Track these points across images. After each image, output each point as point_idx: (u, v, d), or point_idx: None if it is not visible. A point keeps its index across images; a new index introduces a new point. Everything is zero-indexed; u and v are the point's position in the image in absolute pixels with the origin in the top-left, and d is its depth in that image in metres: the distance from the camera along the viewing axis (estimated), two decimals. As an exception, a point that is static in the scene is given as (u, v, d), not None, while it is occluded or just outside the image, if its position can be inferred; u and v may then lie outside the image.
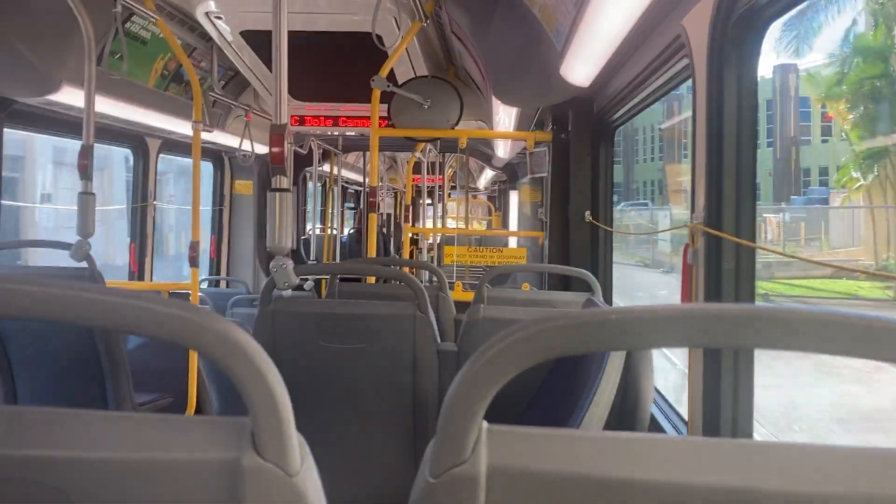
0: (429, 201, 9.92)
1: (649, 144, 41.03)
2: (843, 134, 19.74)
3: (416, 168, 7.59)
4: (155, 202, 5.01)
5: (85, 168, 3.04)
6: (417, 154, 7.04)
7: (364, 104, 4.74)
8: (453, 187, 10.99)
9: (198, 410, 3.51)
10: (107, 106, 3.77)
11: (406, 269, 4.20)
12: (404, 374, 2.38)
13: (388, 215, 13.09)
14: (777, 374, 8.33)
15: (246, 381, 0.63)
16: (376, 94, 3.78)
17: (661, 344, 0.61)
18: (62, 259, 3.04)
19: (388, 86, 3.77)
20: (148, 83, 4.19)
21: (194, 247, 3.76)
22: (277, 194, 2.16)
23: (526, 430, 0.65)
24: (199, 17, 3.65)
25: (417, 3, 3.38)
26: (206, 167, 6.09)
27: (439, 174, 8.77)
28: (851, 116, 18.24)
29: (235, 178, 6.37)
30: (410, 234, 6.86)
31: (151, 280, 5.06)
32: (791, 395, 8.41)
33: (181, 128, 4.57)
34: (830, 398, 8.46)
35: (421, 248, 8.17)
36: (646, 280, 17.41)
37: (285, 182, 2.21)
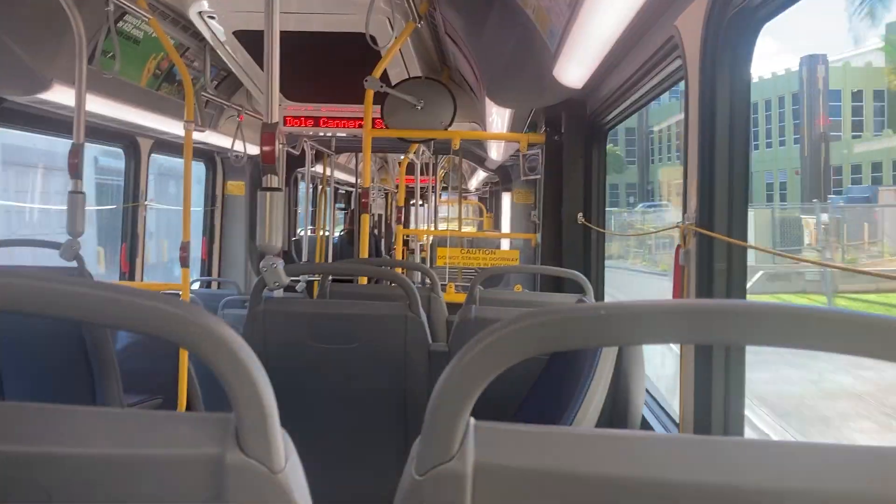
0: (420, 202, 9.92)
1: (665, 143, 40.38)
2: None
3: (409, 169, 7.59)
4: (146, 202, 4.98)
5: (75, 167, 3.03)
6: (411, 155, 7.03)
7: (357, 105, 4.74)
8: (444, 188, 10.98)
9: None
10: (98, 105, 3.74)
11: (398, 270, 4.20)
12: (395, 375, 2.37)
13: (380, 216, 13.07)
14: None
15: (229, 375, 0.63)
16: (369, 94, 3.77)
17: (651, 340, 0.60)
18: (52, 259, 3.03)
19: (382, 86, 3.77)
20: (140, 83, 4.16)
21: (185, 247, 3.74)
22: (268, 193, 2.15)
23: (513, 427, 0.65)
24: (192, 16, 3.64)
25: (411, 3, 3.38)
26: (198, 167, 6.07)
27: (432, 175, 8.77)
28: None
29: (227, 179, 6.34)
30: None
31: (143, 281, 5.04)
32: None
33: (173, 128, 4.55)
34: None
35: (413, 250, 8.15)
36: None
37: (276, 181, 2.20)
